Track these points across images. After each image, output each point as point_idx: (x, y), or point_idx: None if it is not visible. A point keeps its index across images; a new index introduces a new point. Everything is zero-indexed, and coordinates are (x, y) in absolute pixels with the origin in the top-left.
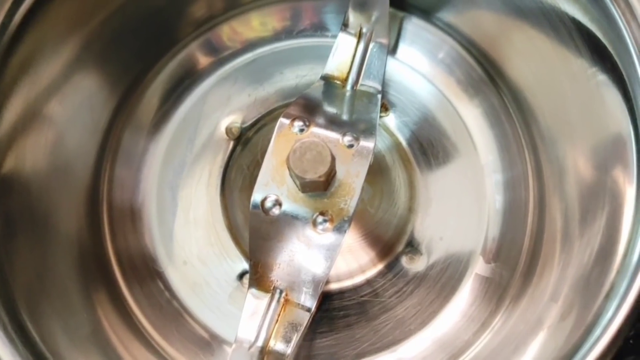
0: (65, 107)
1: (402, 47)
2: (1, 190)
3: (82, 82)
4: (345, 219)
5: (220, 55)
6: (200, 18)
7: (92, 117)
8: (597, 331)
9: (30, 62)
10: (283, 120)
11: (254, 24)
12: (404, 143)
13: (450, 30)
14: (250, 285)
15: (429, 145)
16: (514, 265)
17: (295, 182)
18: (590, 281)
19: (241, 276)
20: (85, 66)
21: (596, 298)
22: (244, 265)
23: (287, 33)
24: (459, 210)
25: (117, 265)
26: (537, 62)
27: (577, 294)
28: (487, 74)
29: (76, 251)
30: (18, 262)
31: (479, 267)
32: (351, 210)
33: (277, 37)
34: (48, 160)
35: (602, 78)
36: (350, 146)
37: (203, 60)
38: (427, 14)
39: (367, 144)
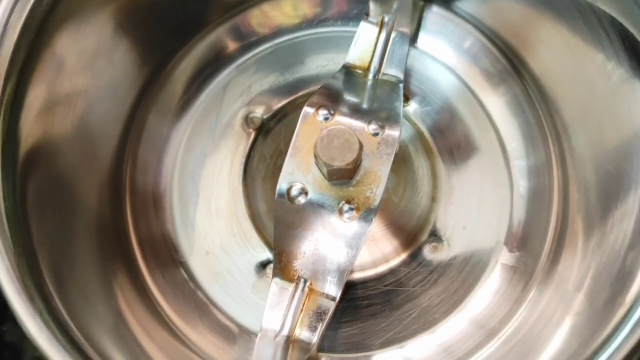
0: (93, 83)
1: (423, 36)
2: (30, 160)
3: (111, 60)
4: (372, 207)
5: (246, 41)
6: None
7: (118, 97)
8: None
9: (60, 36)
10: (307, 109)
11: (286, 8)
12: (425, 132)
13: (472, 19)
14: (274, 274)
15: (450, 134)
16: (538, 253)
17: (321, 170)
18: (625, 265)
19: (264, 266)
20: (114, 44)
21: (632, 281)
22: (267, 255)
23: (308, 23)
24: (481, 199)
25: (139, 251)
26: (564, 52)
27: (607, 279)
28: (511, 64)
29: (98, 234)
30: (47, 243)
31: (503, 256)
32: (377, 198)
33: (297, 27)
34: (74, 136)
35: (631, 68)
36: (376, 134)
37: (231, 46)
38: (447, 2)
39: (392, 132)
